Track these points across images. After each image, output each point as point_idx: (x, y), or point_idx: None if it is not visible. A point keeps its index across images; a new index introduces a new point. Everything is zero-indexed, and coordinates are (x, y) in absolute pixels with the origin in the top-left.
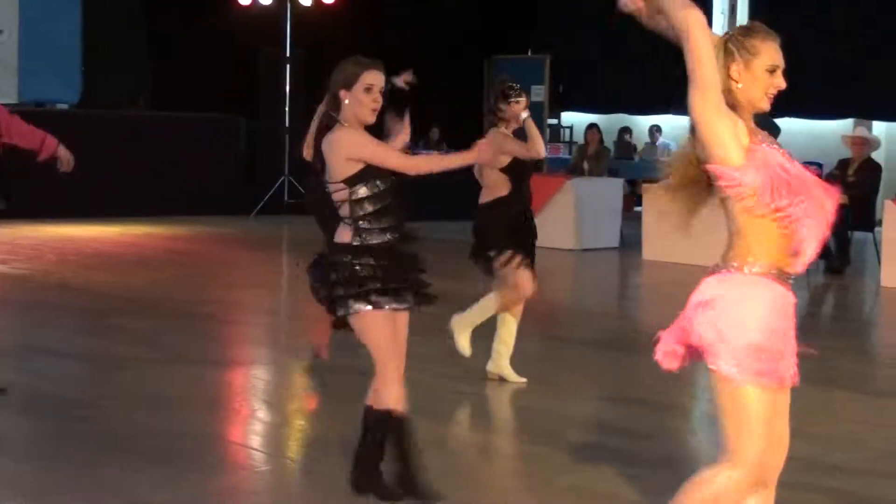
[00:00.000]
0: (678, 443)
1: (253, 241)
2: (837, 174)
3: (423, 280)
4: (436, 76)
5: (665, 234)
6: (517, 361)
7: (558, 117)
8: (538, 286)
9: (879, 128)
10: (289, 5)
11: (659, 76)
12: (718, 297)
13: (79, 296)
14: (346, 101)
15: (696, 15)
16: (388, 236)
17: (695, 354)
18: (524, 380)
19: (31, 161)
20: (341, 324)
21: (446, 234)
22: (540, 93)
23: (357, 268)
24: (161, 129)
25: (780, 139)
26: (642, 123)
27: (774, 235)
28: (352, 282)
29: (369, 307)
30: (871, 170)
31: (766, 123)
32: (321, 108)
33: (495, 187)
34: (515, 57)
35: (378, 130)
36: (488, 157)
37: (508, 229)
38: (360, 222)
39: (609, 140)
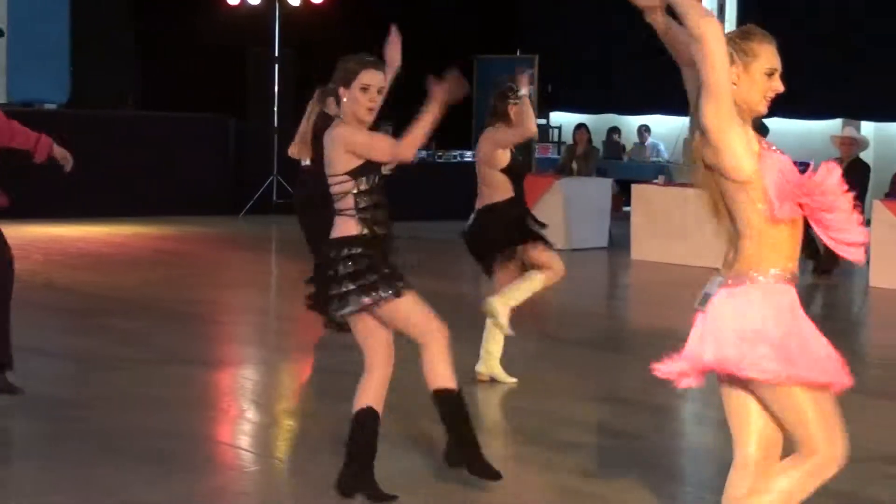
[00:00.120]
0: (667, 443)
1: (242, 241)
2: None
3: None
4: (424, 76)
5: (653, 235)
6: (506, 361)
7: (547, 117)
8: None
9: (868, 128)
10: (277, 5)
11: (647, 76)
12: (739, 314)
13: (66, 296)
14: (345, 99)
15: (715, 24)
16: (385, 230)
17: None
18: (514, 380)
19: (24, 161)
20: (339, 326)
21: (441, 234)
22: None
23: (367, 258)
24: (150, 129)
25: (768, 139)
26: (631, 123)
27: (788, 239)
28: (372, 270)
29: (391, 293)
30: (860, 170)
31: (754, 124)
32: (312, 108)
33: (498, 188)
34: (503, 57)
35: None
36: (444, 95)
37: (517, 230)
38: (365, 213)
39: (598, 140)
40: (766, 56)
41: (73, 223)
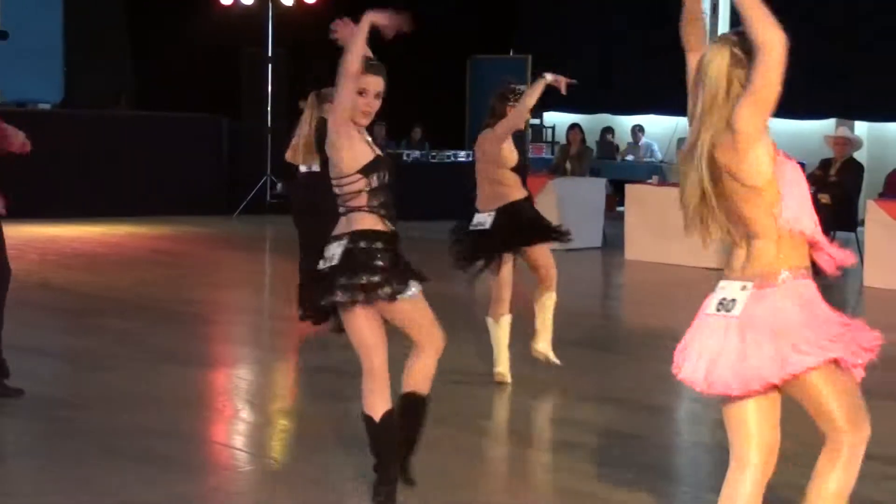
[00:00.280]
0: (662, 443)
1: (236, 240)
2: (820, 174)
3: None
4: (418, 76)
5: (648, 234)
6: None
7: (540, 117)
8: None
9: (861, 128)
10: (270, 5)
11: (642, 76)
12: (776, 317)
13: (62, 296)
14: None
15: (782, 36)
16: (395, 227)
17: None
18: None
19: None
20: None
21: (437, 234)
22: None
23: (390, 253)
24: (143, 129)
25: None
26: (625, 123)
27: (802, 236)
28: (395, 265)
29: (413, 290)
30: (854, 170)
31: None
32: (311, 112)
33: (514, 186)
34: (497, 57)
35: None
36: (378, 18)
37: (535, 229)
38: (381, 210)
39: (591, 140)
40: None
41: (67, 223)
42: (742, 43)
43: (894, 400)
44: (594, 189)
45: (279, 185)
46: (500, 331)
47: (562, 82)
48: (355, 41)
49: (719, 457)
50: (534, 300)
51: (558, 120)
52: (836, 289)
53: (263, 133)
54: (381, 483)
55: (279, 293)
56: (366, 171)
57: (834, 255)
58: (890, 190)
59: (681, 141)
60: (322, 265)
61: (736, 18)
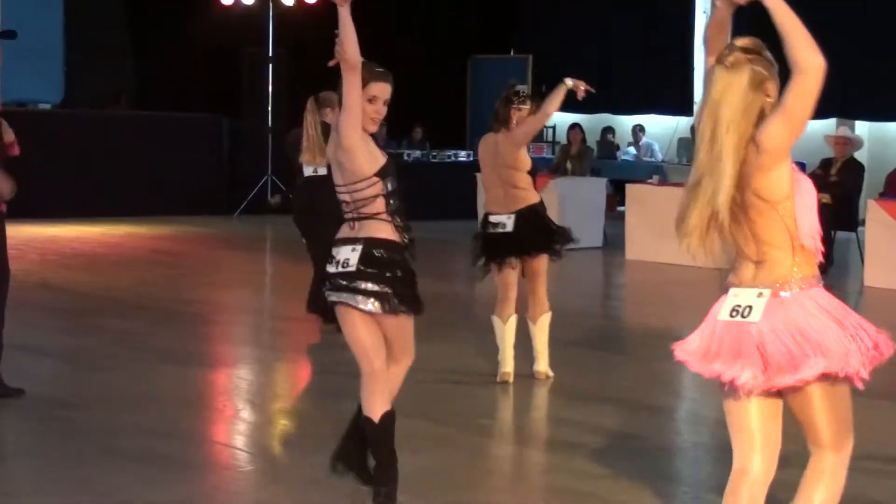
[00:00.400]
0: (662, 443)
1: (236, 240)
2: (820, 174)
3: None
4: (418, 76)
5: (648, 234)
6: (497, 361)
7: None
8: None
9: (862, 127)
10: (271, 5)
11: (642, 76)
12: (799, 322)
13: (61, 296)
14: None
15: (822, 62)
16: (411, 234)
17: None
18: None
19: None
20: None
21: (436, 234)
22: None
23: (402, 267)
24: (144, 128)
25: None
26: (625, 123)
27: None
28: (407, 279)
29: (414, 308)
30: (854, 169)
31: None
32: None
33: (531, 189)
34: (497, 56)
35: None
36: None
37: (549, 236)
38: (397, 218)
39: (592, 140)
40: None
41: (67, 223)
42: (758, 60)
43: (894, 400)
44: (595, 189)
45: (274, 198)
46: (508, 331)
47: (580, 87)
48: (344, 30)
49: (719, 457)
50: (530, 319)
51: (559, 120)
52: (836, 289)
53: (264, 133)
54: (381, 483)
55: (279, 293)
56: (381, 174)
57: None
58: (890, 189)
59: (681, 141)
60: (334, 268)
61: (737, 19)
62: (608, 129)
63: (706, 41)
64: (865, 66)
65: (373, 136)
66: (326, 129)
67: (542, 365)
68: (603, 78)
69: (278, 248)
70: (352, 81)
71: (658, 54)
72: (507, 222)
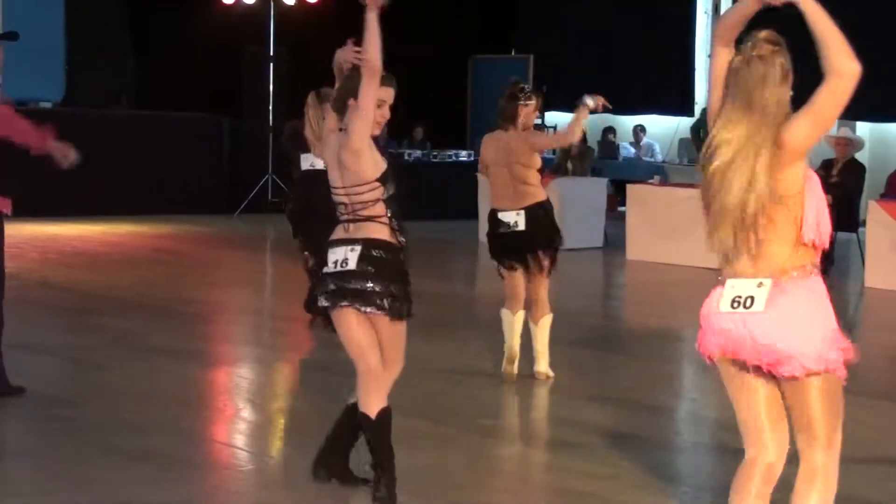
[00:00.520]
0: (661, 443)
1: (237, 240)
2: (821, 174)
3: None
4: (419, 76)
5: (649, 234)
6: (500, 361)
7: (542, 117)
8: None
9: (863, 128)
10: (272, 4)
11: (643, 76)
12: (805, 308)
13: (62, 294)
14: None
15: (856, 68)
16: (406, 237)
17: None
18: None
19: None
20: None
21: (435, 233)
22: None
23: (400, 270)
24: (145, 128)
25: None
26: (626, 123)
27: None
28: (405, 282)
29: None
30: (855, 170)
31: None
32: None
33: (540, 187)
34: (498, 56)
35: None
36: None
37: (556, 233)
38: (393, 222)
39: (593, 140)
40: None
41: (68, 222)
42: (782, 52)
43: (894, 400)
44: (595, 189)
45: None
46: (517, 322)
47: (600, 103)
48: (371, 35)
49: (719, 457)
50: (532, 320)
51: (559, 120)
52: (837, 289)
53: (265, 132)
54: (380, 480)
55: (280, 293)
56: (382, 179)
57: None
58: (891, 190)
59: (682, 141)
60: (331, 268)
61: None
62: (609, 129)
63: (720, 31)
64: (867, 67)
65: (374, 137)
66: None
67: (543, 365)
68: (603, 78)
69: (279, 248)
70: (371, 85)
71: (659, 54)
72: (519, 220)
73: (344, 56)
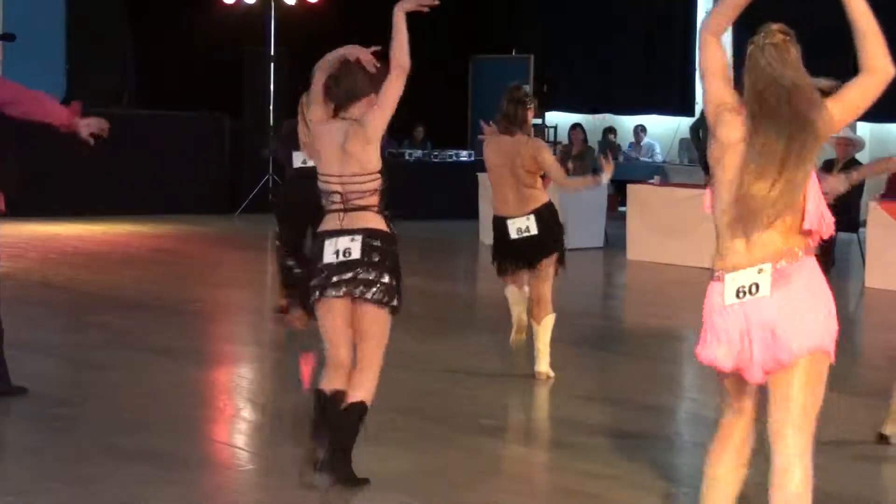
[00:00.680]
0: (662, 443)
1: (237, 239)
2: (822, 175)
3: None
4: (420, 76)
5: (649, 235)
6: (503, 360)
7: (542, 117)
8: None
9: (864, 129)
10: (273, 4)
11: (644, 77)
12: (811, 288)
13: (62, 293)
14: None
15: (893, 71)
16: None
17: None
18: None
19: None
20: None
21: (435, 233)
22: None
23: (395, 260)
24: (146, 127)
25: None
26: (627, 124)
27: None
28: (399, 270)
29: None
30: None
31: None
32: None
33: (543, 190)
34: (499, 56)
35: None
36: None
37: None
38: (386, 212)
39: (593, 140)
40: None
41: (69, 221)
42: (793, 42)
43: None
44: (596, 189)
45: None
46: (522, 296)
47: (609, 172)
48: (400, 36)
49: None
50: (534, 320)
51: (560, 120)
52: (837, 290)
53: (265, 132)
54: (325, 450)
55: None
56: (382, 172)
57: None
58: (891, 191)
59: (682, 141)
60: (332, 258)
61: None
62: (609, 130)
63: (712, 23)
64: None
65: None
66: None
67: (543, 365)
68: (603, 78)
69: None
70: (399, 84)
71: (659, 55)
72: (530, 225)
73: (354, 53)
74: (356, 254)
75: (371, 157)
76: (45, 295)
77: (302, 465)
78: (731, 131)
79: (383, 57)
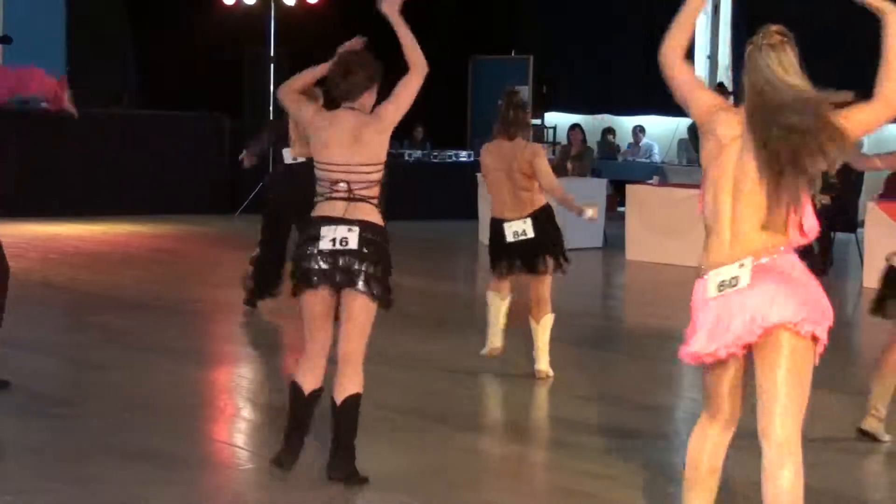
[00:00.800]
0: (661, 442)
1: (237, 239)
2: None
3: None
4: None
5: (648, 235)
6: (503, 360)
7: (542, 118)
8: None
9: None
10: (273, 5)
11: (642, 77)
12: (798, 276)
13: (62, 294)
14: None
15: None
16: None
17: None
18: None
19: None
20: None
21: (435, 233)
22: (523, 93)
23: (386, 252)
24: (146, 127)
25: None
26: (625, 124)
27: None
28: (390, 268)
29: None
30: (853, 171)
31: None
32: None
33: (539, 193)
34: (498, 57)
35: None
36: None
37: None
38: (380, 206)
39: (592, 140)
40: None
41: (70, 222)
42: (791, 43)
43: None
44: (595, 189)
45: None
46: (503, 307)
47: (592, 212)
48: (407, 38)
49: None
50: (533, 319)
51: (559, 120)
52: (835, 290)
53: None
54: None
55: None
56: (384, 164)
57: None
58: (889, 191)
59: (681, 142)
60: (329, 245)
61: (736, 19)
62: (608, 130)
63: (673, 37)
64: (863, 68)
65: None
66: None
67: (543, 364)
68: (603, 78)
69: None
70: (416, 82)
71: (658, 55)
72: (527, 228)
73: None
74: (353, 244)
75: (383, 147)
76: (45, 295)
77: (271, 462)
78: (729, 128)
79: (369, 48)
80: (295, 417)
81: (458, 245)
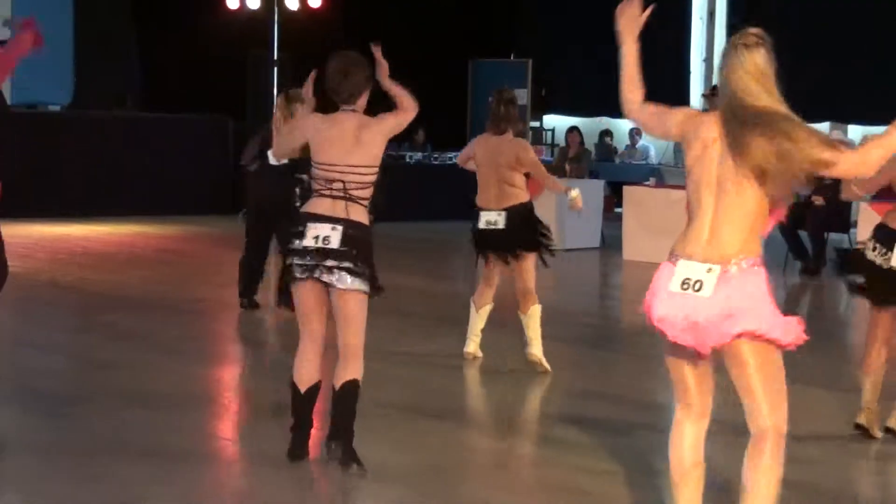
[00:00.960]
0: (656, 440)
1: (240, 240)
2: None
3: None
4: (420, 78)
5: (645, 235)
6: (503, 360)
7: (540, 120)
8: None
9: (855, 131)
10: (276, 9)
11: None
12: (759, 290)
13: (69, 293)
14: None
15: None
16: None
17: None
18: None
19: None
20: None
21: (435, 233)
22: (522, 96)
23: (370, 250)
24: (151, 129)
25: None
26: (622, 126)
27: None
28: (372, 260)
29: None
30: None
31: None
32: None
33: (524, 189)
34: (498, 60)
35: None
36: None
37: (538, 233)
38: (371, 207)
39: (590, 142)
40: None
41: (76, 222)
42: (769, 51)
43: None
44: (593, 191)
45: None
46: (480, 318)
47: (576, 199)
48: (397, 91)
49: (713, 454)
50: (521, 312)
51: (557, 122)
52: (829, 289)
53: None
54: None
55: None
56: (380, 166)
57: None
58: (882, 192)
59: (677, 144)
60: (311, 243)
61: (731, 25)
62: (606, 132)
63: (628, 95)
64: (858, 70)
65: None
66: None
67: (535, 348)
68: (601, 82)
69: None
70: (407, 118)
71: (654, 59)
72: (499, 219)
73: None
74: (335, 243)
75: (381, 150)
76: (52, 294)
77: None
78: (709, 131)
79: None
80: (297, 414)
81: (458, 245)
